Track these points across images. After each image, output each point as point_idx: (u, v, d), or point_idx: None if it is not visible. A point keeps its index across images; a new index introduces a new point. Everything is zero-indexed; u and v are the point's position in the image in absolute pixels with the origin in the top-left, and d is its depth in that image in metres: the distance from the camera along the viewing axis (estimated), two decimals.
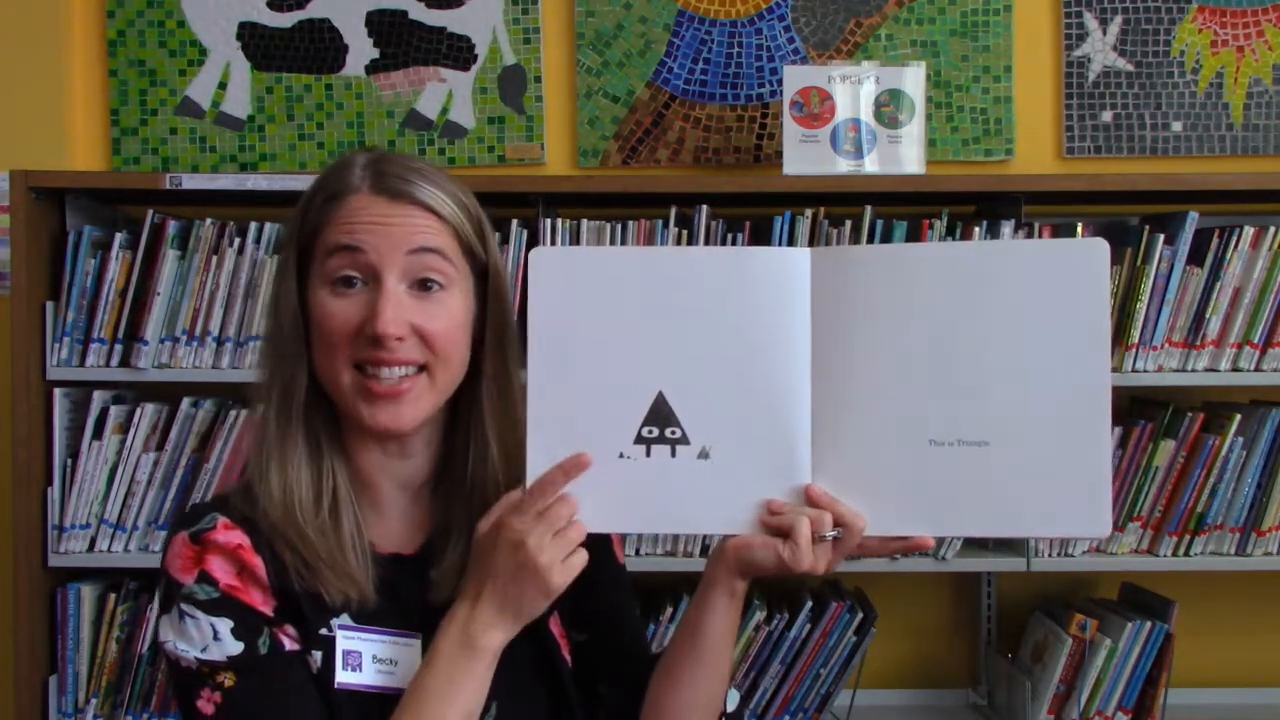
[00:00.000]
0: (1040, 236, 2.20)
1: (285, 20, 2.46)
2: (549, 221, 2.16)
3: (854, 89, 2.23)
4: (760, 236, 2.20)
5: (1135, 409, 2.33)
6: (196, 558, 1.11)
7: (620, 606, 1.33)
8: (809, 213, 2.16)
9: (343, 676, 1.12)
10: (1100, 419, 1.09)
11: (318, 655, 1.12)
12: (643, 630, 1.40)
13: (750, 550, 1.12)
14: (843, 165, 2.22)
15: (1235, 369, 2.17)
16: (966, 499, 1.10)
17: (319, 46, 2.46)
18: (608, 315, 1.13)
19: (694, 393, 1.12)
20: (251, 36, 2.46)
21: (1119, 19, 2.44)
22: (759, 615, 2.21)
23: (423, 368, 1.15)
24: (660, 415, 1.12)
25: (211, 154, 2.47)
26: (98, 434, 2.15)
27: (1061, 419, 1.09)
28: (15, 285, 2.12)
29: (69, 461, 2.16)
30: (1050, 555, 2.20)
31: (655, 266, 1.15)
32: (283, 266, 1.19)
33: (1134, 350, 2.15)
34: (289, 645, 1.11)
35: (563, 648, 1.25)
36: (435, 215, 1.16)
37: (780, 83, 2.29)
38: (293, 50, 2.46)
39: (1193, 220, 2.16)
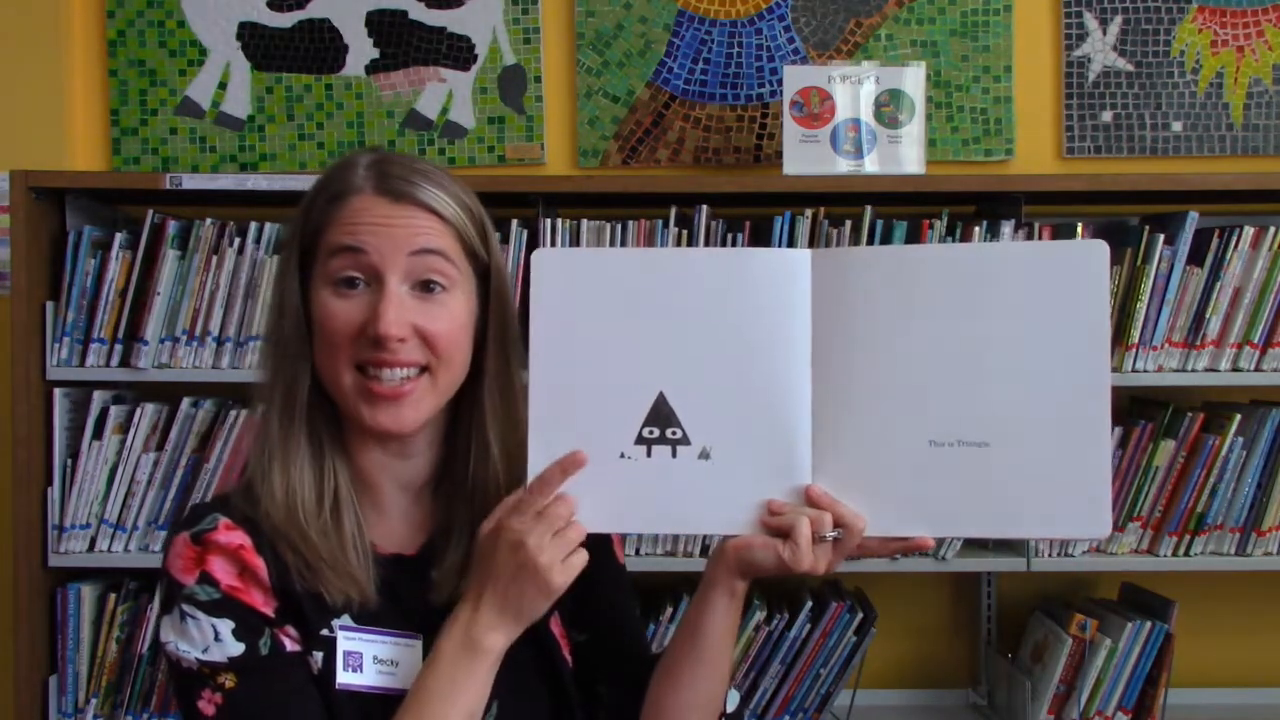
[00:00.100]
0: (1040, 236, 2.20)
1: (285, 20, 2.46)
2: (549, 221, 2.16)
3: (854, 89, 2.23)
4: (760, 237, 2.20)
5: (1135, 409, 2.33)
6: (198, 558, 1.11)
7: (620, 606, 1.33)
8: (809, 213, 2.16)
9: (343, 677, 1.12)
10: (1100, 420, 1.09)
11: (319, 656, 1.12)
12: (643, 630, 1.40)
13: (750, 550, 1.12)
14: (843, 165, 2.22)
15: (1235, 369, 2.17)
16: (966, 500, 1.10)
17: (319, 46, 2.46)
18: (609, 316, 1.13)
19: (695, 393, 1.12)
20: (251, 36, 2.46)
21: (1119, 19, 2.44)
22: (759, 615, 2.21)
23: (424, 369, 1.15)
24: (661, 415, 1.12)
25: (211, 154, 2.47)
26: (98, 434, 2.15)
27: (1061, 420, 1.09)
28: (15, 285, 2.12)
29: (69, 461, 2.16)
30: (1050, 555, 2.20)
31: (656, 267, 1.15)
32: (285, 266, 1.18)
33: (1134, 350, 2.15)
34: (290, 646, 1.11)
35: (563, 648, 1.25)
36: (437, 216, 1.16)
37: (780, 83, 2.29)
38: (293, 50, 2.46)
39: (1193, 220, 2.16)
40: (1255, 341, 2.16)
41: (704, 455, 1.12)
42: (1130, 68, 2.44)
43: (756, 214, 2.23)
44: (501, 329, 1.22)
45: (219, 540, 1.11)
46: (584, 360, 1.13)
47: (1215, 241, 2.16)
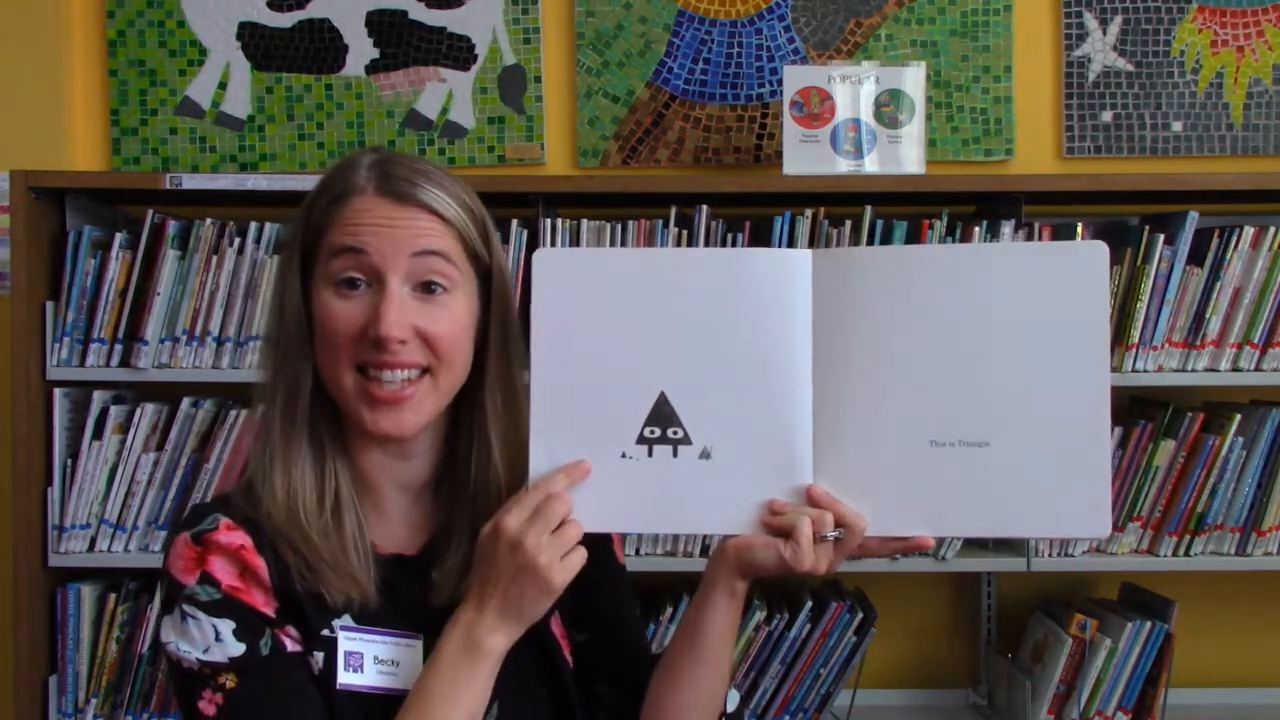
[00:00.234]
0: (1040, 237, 2.20)
1: (285, 20, 2.46)
2: (549, 221, 2.16)
3: (854, 89, 2.23)
4: (760, 237, 2.20)
5: (1135, 409, 2.33)
6: (198, 559, 1.11)
7: (620, 607, 1.33)
8: (809, 213, 2.16)
9: (344, 678, 1.12)
10: (1100, 420, 1.09)
11: (319, 656, 1.12)
12: (643, 630, 1.40)
13: (751, 550, 1.12)
14: (843, 165, 2.22)
15: (1235, 369, 2.17)
16: (967, 499, 1.10)
17: (319, 46, 2.46)
18: (610, 316, 1.13)
19: (696, 393, 1.12)
20: (251, 36, 2.46)
21: (1119, 19, 2.44)
22: (759, 615, 2.21)
23: (425, 371, 1.15)
24: (662, 415, 1.12)
25: (211, 154, 2.47)
26: (98, 434, 2.15)
27: (1061, 420, 1.09)
28: (15, 285, 2.12)
29: (69, 461, 2.16)
30: (1050, 555, 2.20)
31: (657, 267, 1.15)
32: (286, 266, 1.18)
33: (1134, 350, 2.15)
34: (291, 646, 1.11)
35: (564, 648, 1.25)
36: (439, 218, 1.16)
37: (780, 83, 2.29)
38: (293, 50, 2.46)
39: (1193, 220, 2.16)
40: (1255, 341, 2.16)
41: (705, 455, 1.12)
42: (1130, 68, 2.44)
43: (756, 214, 2.23)
44: (503, 330, 1.21)
45: (220, 540, 1.11)
46: (585, 360, 1.13)
47: (1215, 241, 2.16)
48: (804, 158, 2.21)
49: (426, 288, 1.14)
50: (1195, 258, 2.17)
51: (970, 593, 2.49)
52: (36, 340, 2.14)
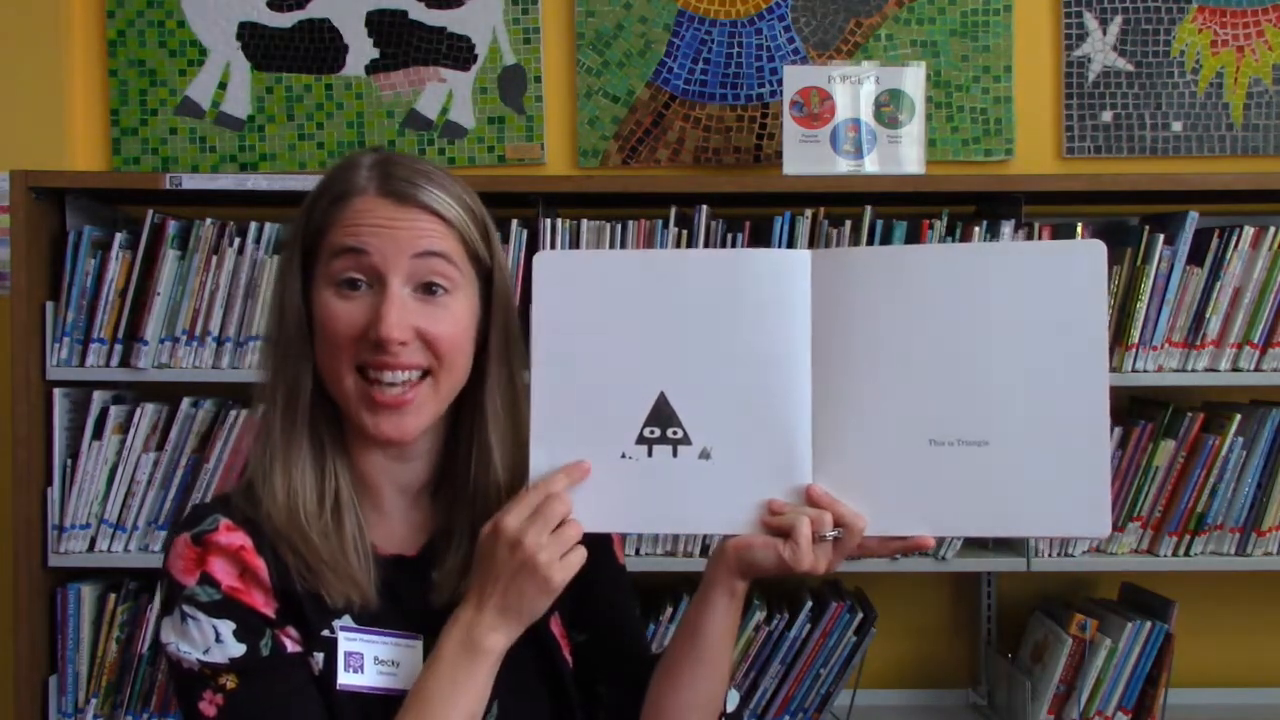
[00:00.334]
0: (1040, 236, 2.20)
1: (285, 20, 2.46)
2: (549, 221, 2.16)
3: (854, 89, 2.23)
4: (760, 237, 2.20)
5: (1135, 409, 2.33)
6: (198, 559, 1.11)
7: (620, 607, 1.33)
8: (809, 213, 2.16)
9: (344, 678, 1.12)
10: (1099, 419, 1.09)
11: (319, 657, 1.12)
12: (643, 630, 1.40)
13: (751, 550, 1.12)
14: (843, 165, 2.22)
15: (1235, 369, 2.17)
16: (966, 499, 1.10)
17: (319, 46, 2.46)
18: (610, 317, 1.13)
19: (695, 393, 1.12)
20: (251, 36, 2.46)
21: (1119, 19, 2.44)
22: (759, 615, 2.21)
23: (426, 373, 1.15)
24: (662, 416, 1.13)
25: (211, 154, 2.47)
26: (98, 434, 2.15)
27: (1060, 419, 1.09)
28: (15, 285, 2.12)
29: (69, 461, 2.16)
30: (1050, 555, 2.20)
31: (657, 269, 1.15)
32: (286, 267, 1.18)
33: (1134, 350, 2.15)
34: (291, 647, 1.11)
35: (564, 648, 1.25)
36: (441, 219, 1.15)
37: (780, 83, 2.29)
38: (293, 50, 2.46)
39: (1193, 220, 2.16)
40: (1255, 341, 2.16)
41: (705, 455, 1.12)
42: (1130, 68, 2.44)
43: (756, 214, 2.23)
44: (503, 331, 1.21)
45: (220, 541, 1.11)
46: (585, 361, 1.13)
47: (1215, 241, 2.16)
48: (804, 158, 2.21)
49: (428, 289, 1.14)
50: (1195, 258, 2.17)
51: (970, 593, 2.49)
52: (36, 340, 2.14)
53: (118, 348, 2.15)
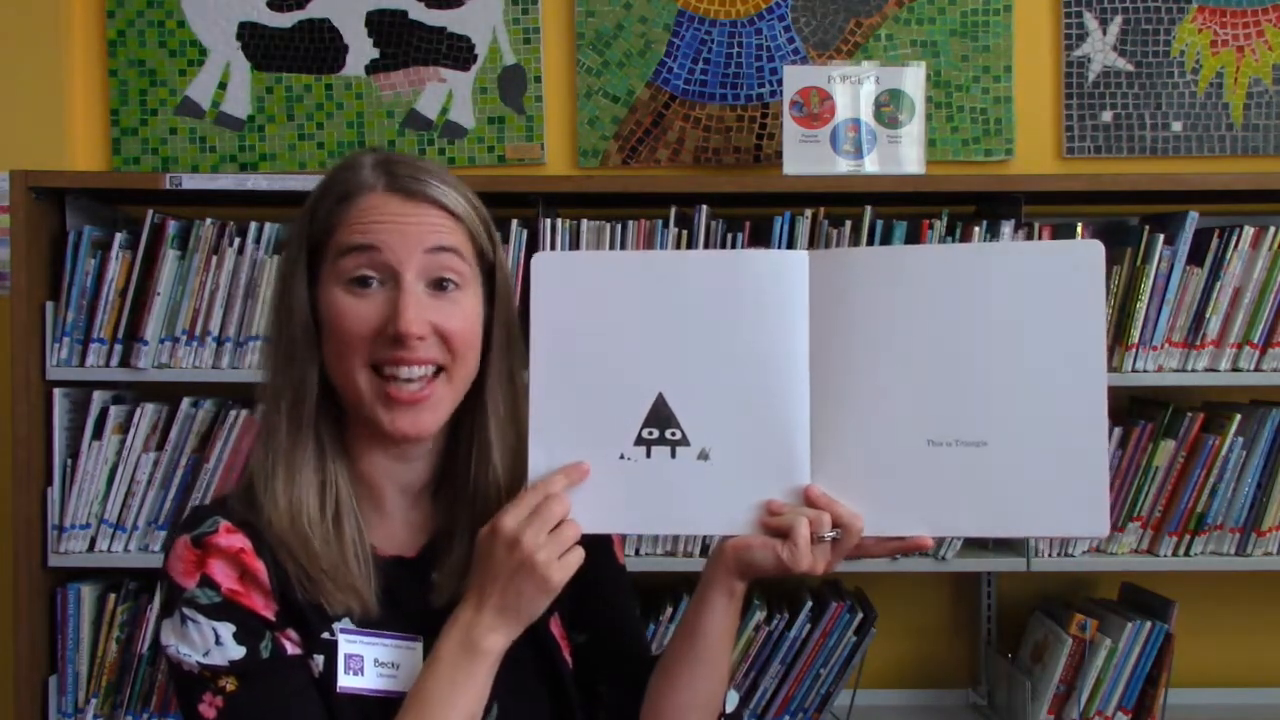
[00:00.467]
0: (1040, 236, 2.20)
1: (285, 20, 2.46)
2: (549, 221, 2.16)
3: (854, 89, 2.23)
4: (760, 237, 2.20)
5: (1135, 409, 2.33)
6: (198, 561, 1.10)
7: (620, 607, 1.33)
8: (809, 213, 2.16)
9: (345, 681, 1.12)
10: (1097, 419, 1.09)
11: (319, 659, 1.12)
12: (643, 631, 1.40)
13: (749, 551, 1.12)
14: (843, 165, 2.22)
15: (1235, 369, 2.17)
16: (965, 499, 1.10)
17: (319, 46, 2.46)
18: (608, 318, 1.14)
19: (694, 394, 1.12)
20: (251, 36, 2.46)
21: (1119, 19, 2.44)
22: (759, 615, 2.21)
23: (439, 370, 1.14)
24: (660, 417, 1.13)
25: (211, 154, 2.47)
26: (98, 434, 2.15)
27: (1059, 419, 1.09)
28: (15, 285, 2.12)
29: (69, 461, 2.16)
30: (1050, 555, 2.20)
31: (655, 270, 1.16)
32: (291, 268, 1.17)
33: (1134, 350, 2.15)
34: (291, 650, 1.11)
35: (563, 649, 1.25)
36: (450, 214, 1.16)
37: (780, 83, 2.29)
38: (293, 50, 2.46)
39: (1193, 220, 2.16)
40: (1255, 341, 2.16)
41: (703, 456, 1.12)
42: (1130, 68, 2.44)
43: (756, 214, 2.23)
44: (505, 329, 1.21)
45: (220, 543, 1.11)
46: (584, 362, 1.13)
47: (1215, 241, 2.16)
48: (804, 158, 2.21)
49: (438, 284, 1.14)
50: (1195, 258, 2.17)
51: (970, 593, 2.49)
52: (36, 340, 2.14)
53: (118, 348, 2.15)
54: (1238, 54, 2.43)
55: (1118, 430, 2.17)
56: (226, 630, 1.09)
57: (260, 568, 1.11)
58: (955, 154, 2.45)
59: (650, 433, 1.12)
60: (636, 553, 2.19)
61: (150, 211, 2.18)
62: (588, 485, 1.12)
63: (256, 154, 2.46)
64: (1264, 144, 2.44)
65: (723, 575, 1.16)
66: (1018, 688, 2.26)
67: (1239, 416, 2.16)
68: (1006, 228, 2.16)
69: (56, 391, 2.15)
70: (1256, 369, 2.17)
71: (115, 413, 2.16)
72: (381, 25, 2.46)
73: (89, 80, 2.47)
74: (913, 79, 2.24)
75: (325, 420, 1.17)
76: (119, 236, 2.16)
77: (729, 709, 1.25)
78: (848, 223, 2.16)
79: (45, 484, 2.15)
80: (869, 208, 2.16)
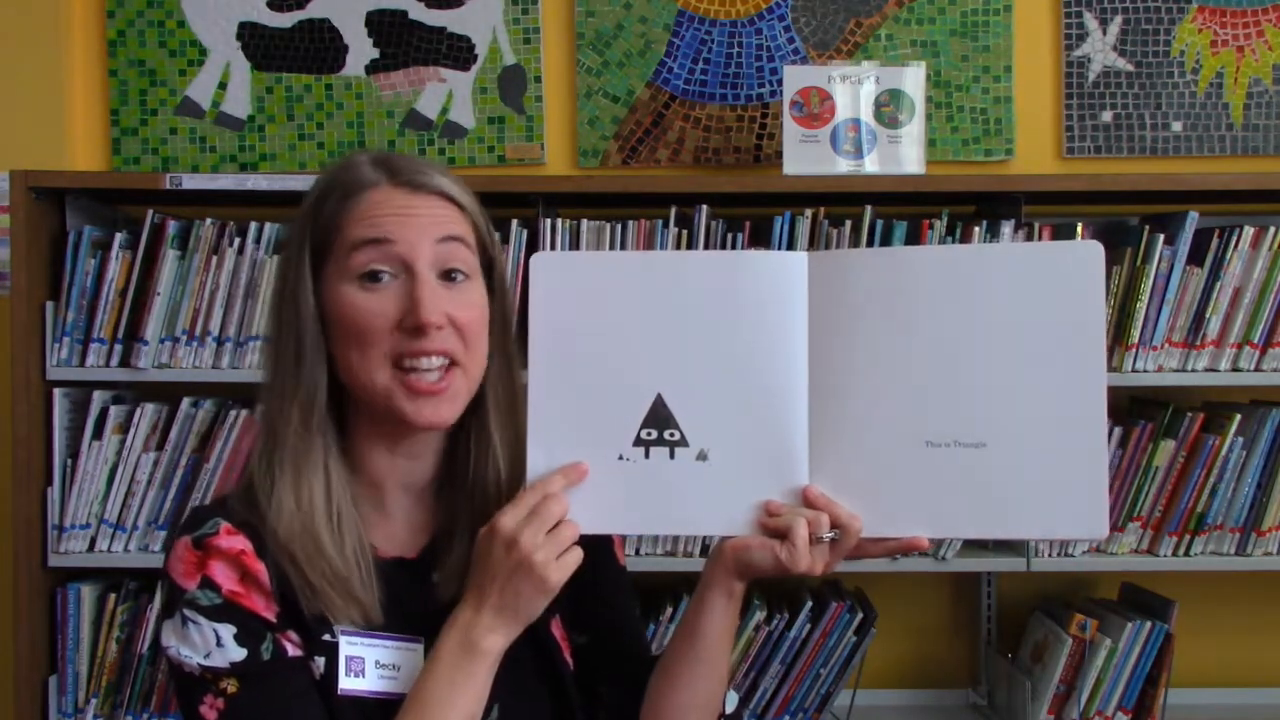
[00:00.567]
0: (1040, 237, 2.20)
1: (285, 20, 2.46)
2: (549, 221, 2.16)
3: (854, 89, 2.23)
4: (760, 237, 2.20)
5: (1135, 409, 2.33)
6: (199, 563, 1.10)
7: (621, 608, 1.33)
8: (809, 213, 2.16)
9: (345, 683, 1.11)
10: (1096, 420, 1.09)
11: (320, 661, 1.12)
12: (643, 631, 1.40)
13: (748, 551, 1.12)
14: (843, 165, 2.22)
15: (1235, 369, 2.17)
16: (963, 500, 1.10)
17: (319, 46, 2.46)
18: (607, 319, 1.14)
19: (692, 395, 1.12)
20: (251, 36, 2.46)
21: (1119, 19, 2.44)
22: (759, 615, 2.21)
23: (454, 362, 1.14)
24: (659, 417, 1.13)
25: (211, 154, 2.47)
26: (98, 434, 2.15)
27: (1058, 420, 1.09)
28: (15, 285, 2.12)
29: (69, 461, 2.16)
30: (1050, 555, 2.20)
31: (654, 270, 1.16)
32: (293, 270, 1.15)
33: (1134, 350, 2.15)
34: (292, 651, 1.11)
35: (564, 650, 1.25)
36: (455, 205, 1.16)
37: (780, 83, 2.29)
38: (293, 50, 2.46)
39: (1193, 220, 2.16)
40: (1255, 341, 2.16)
41: (702, 457, 1.12)
42: (1130, 68, 2.44)
43: (756, 214, 2.23)
44: (503, 325, 1.21)
45: (220, 545, 1.11)
46: (582, 363, 1.13)
47: (1215, 241, 2.16)
48: (804, 158, 2.21)
49: (448, 275, 1.14)
50: (1195, 258, 2.17)
51: (970, 593, 2.48)
52: (36, 340, 2.14)
53: (118, 348, 2.15)
54: (1238, 54, 2.43)
55: (1118, 430, 2.17)
56: (227, 632, 1.08)
57: (261, 569, 1.11)
58: (955, 154, 2.45)
59: (649, 433, 1.12)
60: (636, 553, 2.19)
61: (150, 211, 2.18)
62: (586, 485, 1.12)
63: (256, 154, 2.46)
64: (1264, 144, 2.44)
65: (722, 576, 1.16)
66: (1018, 688, 2.26)
67: (1239, 416, 2.16)
68: (1006, 228, 2.16)
69: (56, 391, 2.15)
70: (1256, 369, 2.17)
71: (115, 413, 2.16)
72: (381, 25, 2.46)
73: (89, 80, 2.47)
74: (913, 79, 2.24)
75: (330, 423, 1.16)
76: (119, 236, 2.17)
77: (729, 709, 1.25)
78: (848, 223, 2.16)
79: (45, 484, 2.15)
80: (869, 208, 2.16)
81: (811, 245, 2.17)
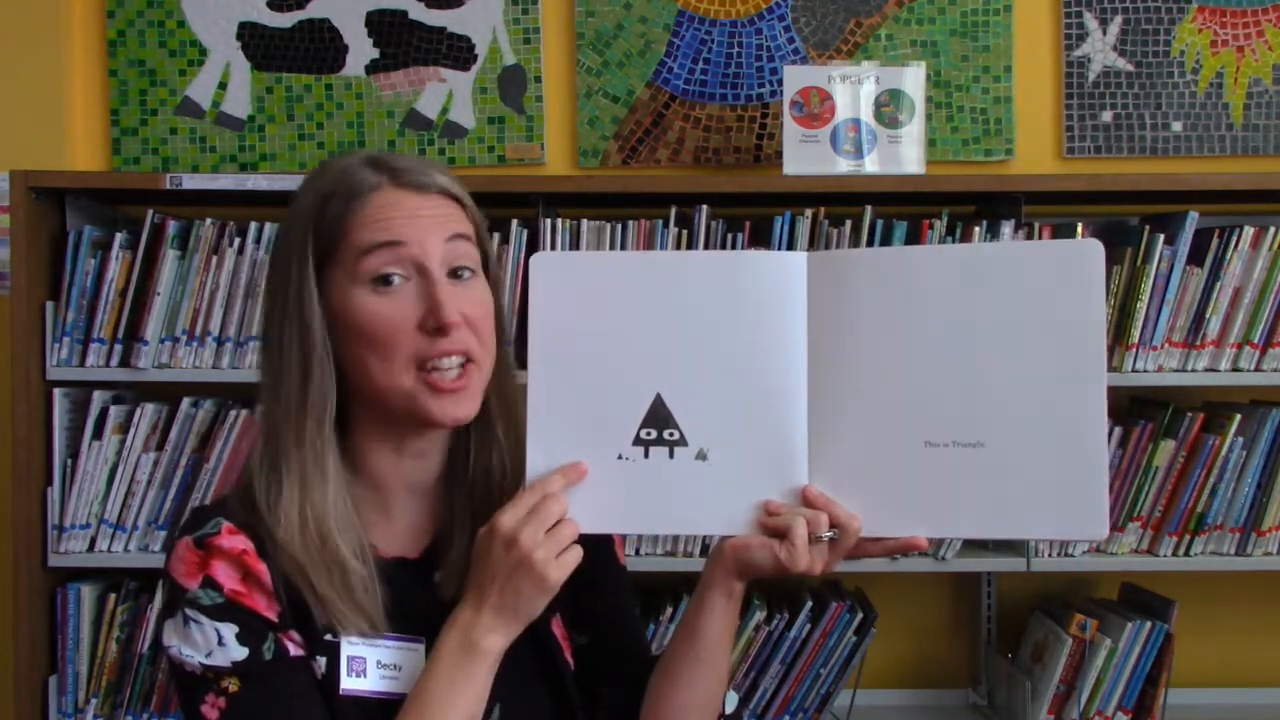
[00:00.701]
0: (1040, 237, 2.20)
1: (285, 20, 2.46)
2: (549, 221, 2.16)
3: (854, 89, 2.23)
4: (760, 237, 2.20)
5: (1135, 409, 2.33)
6: (201, 563, 1.10)
7: (621, 608, 1.33)
8: (809, 213, 2.16)
9: (347, 683, 1.11)
10: (1097, 419, 1.09)
11: (322, 661, 1.12)
12: (643, 631, 1.40)
13: (748, 551, 1.12)
14: (843, 165, 2.22)
15: (1235, 369, 2.17)
16: (963, 500, 1.10)
17: (319, 46, 2.46)
18: (607, 319, 1.14)
19: (692, 395, 1.12)
20: (251, 36, 2.46)
21: (1119, 19, 2.44)
22: (759, 615, 2.21)
23: (470, 358, 1.14)
24: (658, 417, 1.13)
25: (211, 154, 2.47)
26: (98, 434, 2.15)
27: (1057, 420, 1.09)
28: (15, 285, 2.12)
29: (69, 461, 2.16)
30: (1050, 555, 2.20)
31: (654, 270, 1.16)
32: (295, 276, 1.14)
33: (1134, 350, 2.15)
34: (294, 651, 1.11)
35: (565, 650, 1.25)
36: (458, 203, 1.17)
37: (780, 83, 2.29)
38: (293, 50, 2.46)
39: (1193, 220, 2.16)
40: (1255, 341, 2.16)
41: (701, 456, 1.12)
42: (1130, 68, 2.44)
43: (756, 214, 2.23)
44: (501, 322, 1.22)
45: (222, 545, 1.11)
46: (582, 363, 1.13)
47: (1215, 241, 2.16)
48: (804, 158, 2.21)
49: (455, 273, 1.14)
50: (1195, 258, 2.16)
51: (970, 593, 2.48)
52: (36, 340, 2.14)
53: (118, 348, 2.15)
54: (1238, 54, 2.43)
55: (1118, 430, 2.17)
56: (229, 631, 1.08)
57: (263, 569, 1.11)
58: (955, 154, 2.45)
59: (648, 433, 1.12)
60: (636, 553, 2.19)
61: (150, 211, 2.18)
62: (586, 485, 1.12)
63: (256, 154, 2.46)
64: (1264, 144, 2.44)
65: (721, 575, 1.16)
66: (1018, 688, 2.26)
67: (1239, 416, 2.16)
68: (1006, 228, 2.16)
69: (56, 391, 2.15)
70: (1256, 369, 2.17)
71: (115, 413, 2.16)
72: (381, 25, 2.46)
73: (89, 80, 2.47)
74: (913, 79, 2.24)
75: (332, 427, 1.16)
76: (119, 236, 2.17)
77: (729, 709, 1.25)
78: (848, 223, 2.16)
79: (45, 484, 2.15)
80: (869, 208, 2.16)
81: (811, 245, 2.17)
